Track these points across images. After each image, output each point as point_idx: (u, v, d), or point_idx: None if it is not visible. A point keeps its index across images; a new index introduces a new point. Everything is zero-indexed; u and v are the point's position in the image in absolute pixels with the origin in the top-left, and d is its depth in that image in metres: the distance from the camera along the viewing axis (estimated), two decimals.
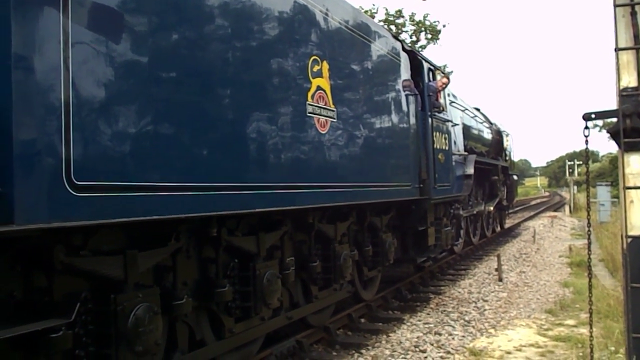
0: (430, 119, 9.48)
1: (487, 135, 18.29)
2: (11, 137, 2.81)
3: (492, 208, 18.10)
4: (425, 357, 6.61)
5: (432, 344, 7.12)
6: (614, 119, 4.43)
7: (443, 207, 11.12)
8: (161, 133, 3.80)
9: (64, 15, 3.11)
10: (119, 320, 3.82)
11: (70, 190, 3.09)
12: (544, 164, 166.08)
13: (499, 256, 12.33)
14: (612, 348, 6.04)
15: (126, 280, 3.92)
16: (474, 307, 9.25)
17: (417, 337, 7.45)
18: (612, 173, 49.63)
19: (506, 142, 21.27)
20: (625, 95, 4.32)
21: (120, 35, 3.52)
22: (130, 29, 3.60)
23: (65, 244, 3.52)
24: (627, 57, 4.36)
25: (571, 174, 58.37)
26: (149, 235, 4.26)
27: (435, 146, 9.60)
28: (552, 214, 34.74)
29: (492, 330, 7.77)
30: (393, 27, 28.97)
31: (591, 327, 4.91)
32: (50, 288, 3.56)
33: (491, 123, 19.50)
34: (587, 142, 4.74)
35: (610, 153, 64.19)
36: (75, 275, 3.72)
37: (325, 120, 6.04)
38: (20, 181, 2.84)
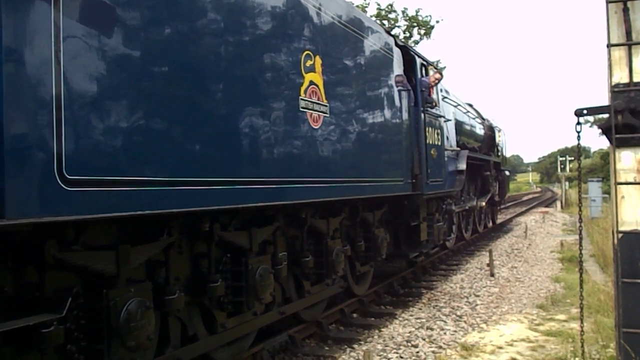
0: (422, 115, 9.49)
1: (480, 130, 18.32)
2: (2, 132, 2.79)
3: (484, 203, 18.15)
4: (417, 352, 6.62)
5: (424, 339, 7.14)
6: (606, 115, 4.45)
7: (435, 202, 11.15)
8: (153, 128, 3.79)
9: (55, 9, 3.09)
10: (111, 316, 3.81)
11: (62, 185, 3.07)
12: (536, 160, 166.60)
13: (490, 251, 12.37)
14: (603, 343, 6.07)
15: (118, 275, 3.91)
16: (466, 302, 9.28)
17: (409, 332, 7.47)
18: (603, 169, 49.87)
19: (498, 138, 21.32)
20: (617, 91, 4.35)
21: (112, 29, 3.50)
22: (122, 23, 3.58)
23: (57, 238, 3.51)
24: (619, 53, 4.38)
25: (563, 169, 58.55)
26: (141, 230, 4.25)
27: (427, 142, 9.62)
28: (544, 209, 34.88)
29: (483, 325, 7.80)
30: (385, 22, 28.92)
31: (582, 322, 4.94)
32: (41, 283, 3.55)
33: (483, 119, 19.53)
34: (579, 137, 4.78)
35: (602, 149, 64.52)
36: (67, 270, 3.71)
37: (318, 115, 6.03)
38: (12, 176, 2.82)
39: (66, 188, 3.10)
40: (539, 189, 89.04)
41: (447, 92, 13.53)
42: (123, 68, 3.57)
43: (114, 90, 3.49)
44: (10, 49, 2.84)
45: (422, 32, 30.62)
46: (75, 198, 3.16)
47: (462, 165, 13.19)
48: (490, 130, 20.19)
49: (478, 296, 9.71)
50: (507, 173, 22.72)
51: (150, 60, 3.80)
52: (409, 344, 6.94)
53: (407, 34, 30.27)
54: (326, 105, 6.22)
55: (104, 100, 3.40)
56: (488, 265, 12.04)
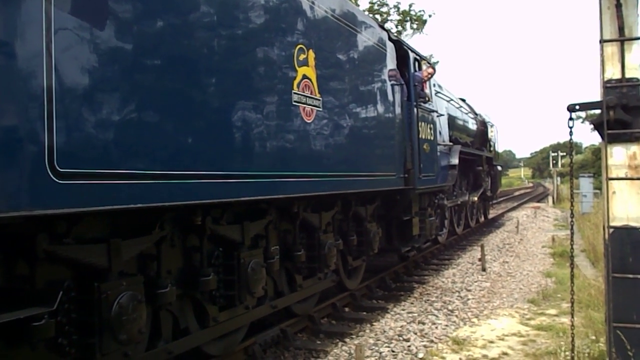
0: (415, 109, 9.49)
1: (472, 126, 18.35)
2: None
3: (476, 198, 18.19)
4: (409, 346, 6.64)
5: (415, 333, 7.16)
6: (598, 111, 4.47)
7: (428, 197, 11.17)
8: (146, 121, 3.77)
9: (47, 1, 3.06)
10: (103, 309, 3.80)
11: (54, 178, 3.06)
12: (528, 155, 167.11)
13: (482, 246, 12.41)
14: (593, 337, 6.11)
15: (110, 268, 3.90)
16: (458, 296, 9.32)
17: (401, 327, 7.49)
18: (594, 164, 50.09)
19: (491, 133, 21.37)
20: (609, 87, 4.37)
21: (104, 22, 3.48)
22: (115, 16, 3.56)
23: (48, 231, 3.49)
24: (612, 49, 4.39)
25: (555, 165, 58.75)
26: (133, 224, 4.24)
27: (420, 136, 9.62)
28: (536, 204, 35.02)
29: (475, 320, 7.83)
30: (378, 17, 28.90)
31: (572, 317, 4.97)
32: (32, 276, 3.54)
33: (476, 114, 19.56)
34: (571, 133, 4.79)
35: (594, 144, 64.75)
36: (58, 263, 3.70)
37: (311, 109, 6.02)
38: (2, 168, 2.80)
39: (58, 181, 3.08)
40: (530, 184, 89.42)
41: (440, 86, 13.53)
42: (115, 61, 3.55)
43: (106, 83, 3.47)
44: (0, 41, 2.82)
45: (415, 26, 30.63)
46: (66, 191, 3.14)
47: (455, 160, 13.21)
48: (483, 125, 20.23)
49: (470, 291, 9.75)
50: (499, 168, 22.79)
51: (143, 53, 3.78)
52: (401, 338, 6.97)
53: (400, 28, 30.27)
54: (319, 100, 6.21)
55: (95, 92, 3.38)
56: (480, 260, 12.08)
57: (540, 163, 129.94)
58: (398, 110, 8.82)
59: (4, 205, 2.81)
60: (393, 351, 6.51)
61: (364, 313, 8.35)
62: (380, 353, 6.45)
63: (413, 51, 10.07)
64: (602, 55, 4.43)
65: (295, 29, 5.82)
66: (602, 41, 4.42)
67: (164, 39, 3.98)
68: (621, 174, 4.40)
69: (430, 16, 31.22)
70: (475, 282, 10.57)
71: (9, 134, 2.84)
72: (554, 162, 60.08)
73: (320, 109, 6.23)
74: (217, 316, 5.34)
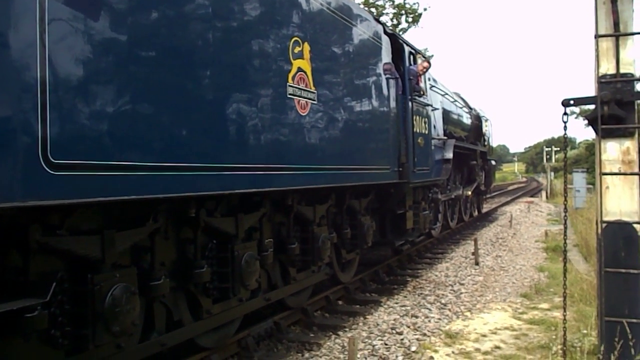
0: (410, 103, 9.49)
1: (467, 120, 18.35)
2: None
3: (470, 193, 18.22)
4: (402, 339, 6.66)
5: (408, 327, 7.18)
6: (592, 106, 4.48)
7: (422, 190, 11.18)
8: (140, 112, 3.76)
9: None
10: (96, 301, 3.80)
11: (47, 169, 3.05)
12: (522, 150, 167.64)
13: (475, 240, 12.43)
14: (585, 331, 6.14)
15: (103, 260, 3.89)
16: (451, 290, 9.34)
17: (394, 320, 7.51)
18: (588, 160, 50.21)
19: (485, 128, 21.36)
20: (603, 82, 4.38)
21: (99, 13, 3.46)
22: (109, 6, 3.54)
23: (41, 223, 3.49)
24: (607, 44, 4.40)
25: (548, 160, 58.89)
26: (127, 215, 4.23)
27: (414, 130, 9.63)
28: (529, 199, 35.09)
29: (468, 314, 7.86)
30: (373, 10, 28.82)
31: (565, 311, 4.99)
32: (25, 267, 3.52)
33: (471, 108, 19.56)
34: (565, 128, 4.80)
35: (587, 140, 64.87)
36: (51, 255, 3.69)
37: (306, 102, 6.02)
38: None
39: (51, 172, 3.07)
40: (524, 179, 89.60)
41: (434, 80, 13.52)
42: (109, 52, 3.53)
43: (100, 74, 3.45)
44: None
45: (410, 19, 30.55)
46: (60, 182, 3.13)
47: (449, 154, 13.20)
48: (477, 119, 20.23)
49: (463, 284, 9.77)
50: (493, 163, 22.80)
51: (137, 44, 3.76)
52: (394, 331, 6.98)
53: (395, 22, 30.19)
54: (314, 92, 6.21)
55: (90, 84, 3.37)
56: (473, 254, 12.10)
57: (534, 158, 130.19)
58: (393, 103, 8.82)
59: None
60: (386, 344, 6.52)
61: (358, 306, 8.37)
62: (374, 346, 6.46)
63: (408, 45, 10.06)
64: (597, 50, 4.45)
65: (290, 21, 5.81)
66: (597, 36, 4.43)
67: (159, 30, 3.97)
68: (614, 169, 4.42)
69: (425, 9, 31.20)
70: (469, 276, 10.59)
71: (2, 125, 2.83)
72: (548, 157, 60.21)
73: (315, 102, 6.23)
74: (211, 308, 5.34)
